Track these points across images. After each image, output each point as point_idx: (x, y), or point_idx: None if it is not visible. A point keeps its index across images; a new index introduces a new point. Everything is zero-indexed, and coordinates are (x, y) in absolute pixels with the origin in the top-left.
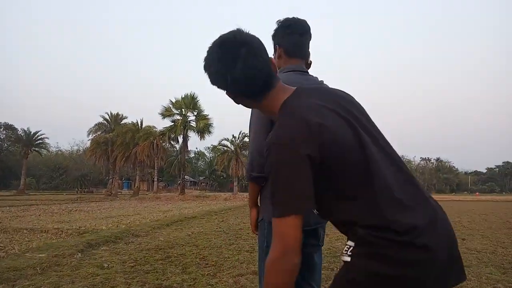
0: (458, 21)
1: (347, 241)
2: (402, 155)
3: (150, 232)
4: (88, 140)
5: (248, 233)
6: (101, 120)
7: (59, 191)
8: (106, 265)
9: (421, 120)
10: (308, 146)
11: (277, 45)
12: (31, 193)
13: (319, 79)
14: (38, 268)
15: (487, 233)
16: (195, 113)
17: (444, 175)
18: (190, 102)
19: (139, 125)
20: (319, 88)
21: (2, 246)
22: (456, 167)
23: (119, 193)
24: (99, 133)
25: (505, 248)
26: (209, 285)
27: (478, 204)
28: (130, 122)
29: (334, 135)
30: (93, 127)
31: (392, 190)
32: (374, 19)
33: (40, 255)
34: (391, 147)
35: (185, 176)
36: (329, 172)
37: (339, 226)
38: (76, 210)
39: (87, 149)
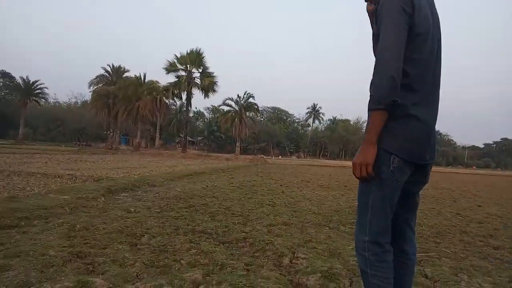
0: None
1: None
2: None
3: (165, 183)
4: (89, 91)
5: (264, 189)
6: (102, 72)
7: (56, 143)
8: (132, 209)
9: None
10: None
11: None
12: (29, 144)
13: None
14: (66, 208)
15: (501, 201)
16: (200, 70)
17: (442, 148)
18: (195, 58)
19: (142, 79)
20: None
21: (21, 187)
22: (454, 140)
23: (119, 148)
24: (100, 85)
25: None
26: (244, 232)
27: (478, 177)
28: (133, 75)
29: None
30: (95, 79)
31: None
32: None
33: (64, 196)
34: None
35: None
36: None
37: None
38: (81, 160)
39: (85, 102)
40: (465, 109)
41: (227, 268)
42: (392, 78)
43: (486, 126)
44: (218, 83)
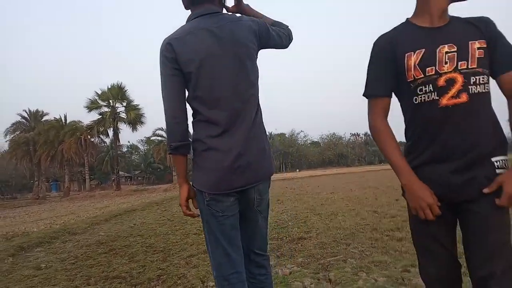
0: None
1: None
2: (334, 133)
3: (89, 228)
4: (6, 141)
5: (193, 218)
6: (18, 118)
7: None
8: (43, 265)
9: (345, 100)
10: None
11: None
12: None
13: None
14: None
15: None
16: (124, 104)
17: (373, 148)
18: (117, 93)
19: (63, 121)
20: None
21: None
22: None
23: (48, 196)
24: (17, 133)
25: None
26: (160, 269)
27: None
28: (53, 118)
29: None
30: (10, 127)
31: None
32: None
33: None
34: None
35: (120, 171)
36: None
37: None
38: None
39: (3, 153)
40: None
41: None
42: (170, 125)
43: None
44: (145, 115)
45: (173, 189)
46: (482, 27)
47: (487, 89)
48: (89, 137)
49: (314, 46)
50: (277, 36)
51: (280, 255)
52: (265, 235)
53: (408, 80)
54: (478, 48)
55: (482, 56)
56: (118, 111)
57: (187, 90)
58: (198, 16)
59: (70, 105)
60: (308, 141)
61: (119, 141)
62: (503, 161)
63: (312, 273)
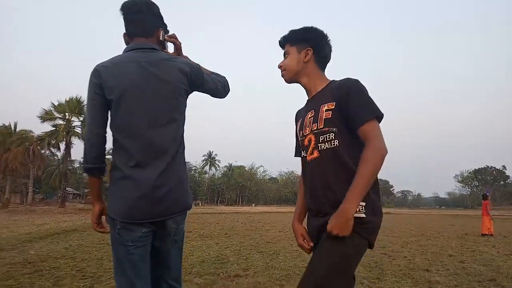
0: None
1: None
2: (292, 171)
3: (19, 245)
4: None
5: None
6: None
7: None
8: None
9: None
10: None
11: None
12: None
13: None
14: None
15: None
16: (81, 119)
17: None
18: (75, 106)
19: (13, 129)
20: None
21: None
22: (393, 186)
23: None
24: None
25: None
26: None
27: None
28: (1, 124)
29: None
30: None
31: None
32: None
33: None
34: None
35: (68, 188)
36: None
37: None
38: None
39: None
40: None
41: None
42: (85, 147)
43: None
44: None
45: None
46: (334, 90)
47: (335, 144)
48: (38, 148)
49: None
50: (212, 82)
51: None
52: (179, 266)
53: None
54: (326, 110)
55: (329, 116)
56: (73, 125)
57: (110, 117)
58: (132, 49)
59: (23, 113)
60: (267, 177)
61: (70, 156)
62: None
63: None
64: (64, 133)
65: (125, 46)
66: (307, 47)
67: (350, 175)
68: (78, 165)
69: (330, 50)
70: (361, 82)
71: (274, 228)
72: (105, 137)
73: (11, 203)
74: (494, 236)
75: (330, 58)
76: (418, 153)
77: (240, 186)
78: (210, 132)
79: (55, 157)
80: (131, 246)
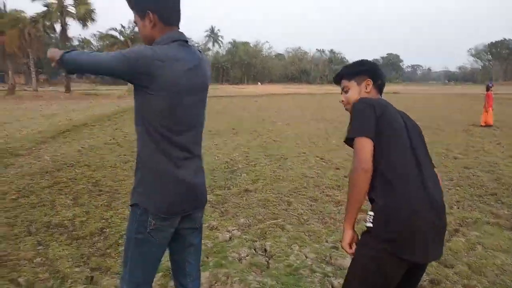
0: None
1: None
2: (299, 47)
3: (34, 148)
4: None
5: None
6: None
7: None
8: None
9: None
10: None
11: (148, 11)
12: None
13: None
14: None
15: None
16: None
17: (336, 66)
18: None
19: (2, 9)
20: None
21: None
22: (347, 58)
23: None
24: None
25: None
26: (103, 219)
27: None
28: None
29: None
30: None
31: None
32: None
33: None
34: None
35: None
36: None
37: None
38: None
39: None
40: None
41: (67, 283)
42: None
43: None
44: (96, 11)
45: (127, 96)
46: None
47: None
48: (34, 30)
49: None
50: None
51: (224, 212)
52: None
53: None
54: None
55: None
56: (66, 3)
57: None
58: (176, 40)
59: None
60: (273, 53)
61: (67, 36)
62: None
63: (250, 241)
64: (58, 13)
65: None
66: (366, 78)
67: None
68: (77, 43)
69: (385, 76)
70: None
71: (280, 119)
72: None
73: (17, 84)
74: (493, 127)
75: (385, 83)
76: (431, 25)
77: (245, 64)
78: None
79: (52, 41)
80: (159, 244)
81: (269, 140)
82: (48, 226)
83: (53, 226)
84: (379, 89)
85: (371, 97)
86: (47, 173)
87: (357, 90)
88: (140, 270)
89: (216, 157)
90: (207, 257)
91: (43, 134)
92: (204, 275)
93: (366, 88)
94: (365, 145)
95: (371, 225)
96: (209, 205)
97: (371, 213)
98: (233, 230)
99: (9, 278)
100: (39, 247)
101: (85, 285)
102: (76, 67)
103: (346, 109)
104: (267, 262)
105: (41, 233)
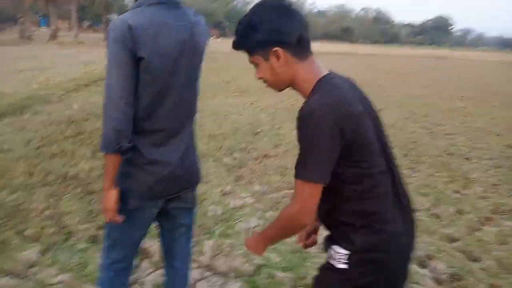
0: None
1: None
2: (343, 4)
3: (64, 96)
4: None
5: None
6: None
7: None
8: (6, 147)
9: None
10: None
11: None
12: None
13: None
14: None
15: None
16: None
17: (381, 26)
18: None
19: None
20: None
21: None
22: (393, 19)
23: (35, 33)
24: None
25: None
26: None
27: (404, 60)
28: None
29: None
30: None
31: None
32: None
33: None
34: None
35: (112, 14)
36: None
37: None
38: None
39: None
40: None
41: (72, 239)
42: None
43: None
44: None
45: None
46: None
47: None
48: None
49: None
50: None
51: (238, 177)
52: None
53: None
54: None
55: None
56: None
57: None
58: (157, 3)
59: None
60: (315, 10)
61: None
62: None
63: (261, 210)
64: None
65: None
66: (271, 48)
67: None
68: None
69: (304, 27)
70: (314, 114)
71: None
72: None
73: (60, 29)
74: None
75: (308, 38)
76: None
77: None
78: None
79: None
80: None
81: (298, 104)
82: (64, 177)
83: (69, 178)
84: (303, 49)
85: (292, 69)
86: (73, 122)
87: (268, 67)
88: (118, 248)
89: (241, 117)
90: (214, 225)
91: (77, 81)
92: (208, 244)
93: (279, 61)
94: (315, 195)
95: (345, 266)
96: (225, 168)
97: (347, 252)
98: (246, 197)
99: (16, 230)
100: (51, 199)
101: (88, 244)
102: (122, 131)
103: (270, 87)
104: None
105: (56, 185)
